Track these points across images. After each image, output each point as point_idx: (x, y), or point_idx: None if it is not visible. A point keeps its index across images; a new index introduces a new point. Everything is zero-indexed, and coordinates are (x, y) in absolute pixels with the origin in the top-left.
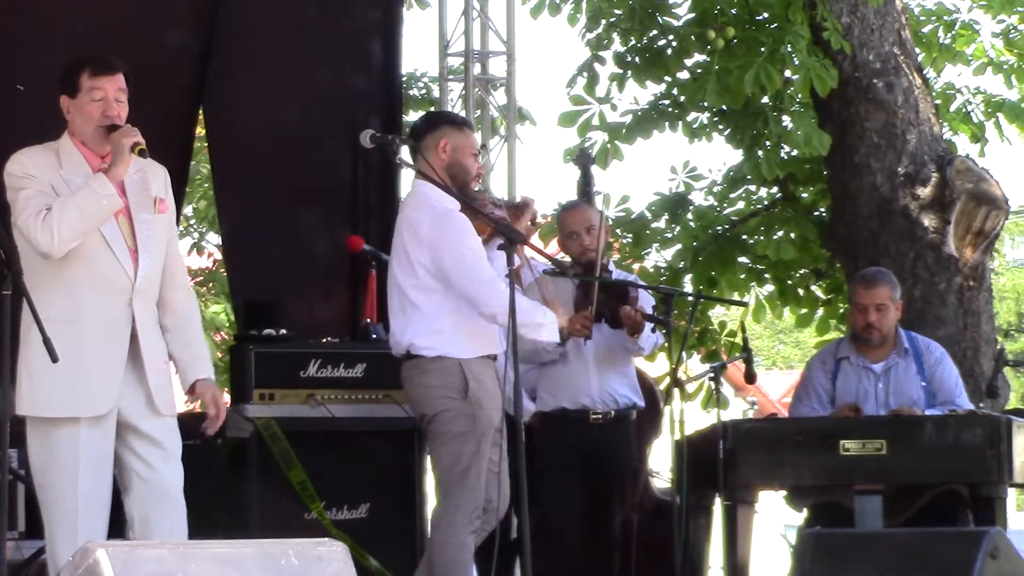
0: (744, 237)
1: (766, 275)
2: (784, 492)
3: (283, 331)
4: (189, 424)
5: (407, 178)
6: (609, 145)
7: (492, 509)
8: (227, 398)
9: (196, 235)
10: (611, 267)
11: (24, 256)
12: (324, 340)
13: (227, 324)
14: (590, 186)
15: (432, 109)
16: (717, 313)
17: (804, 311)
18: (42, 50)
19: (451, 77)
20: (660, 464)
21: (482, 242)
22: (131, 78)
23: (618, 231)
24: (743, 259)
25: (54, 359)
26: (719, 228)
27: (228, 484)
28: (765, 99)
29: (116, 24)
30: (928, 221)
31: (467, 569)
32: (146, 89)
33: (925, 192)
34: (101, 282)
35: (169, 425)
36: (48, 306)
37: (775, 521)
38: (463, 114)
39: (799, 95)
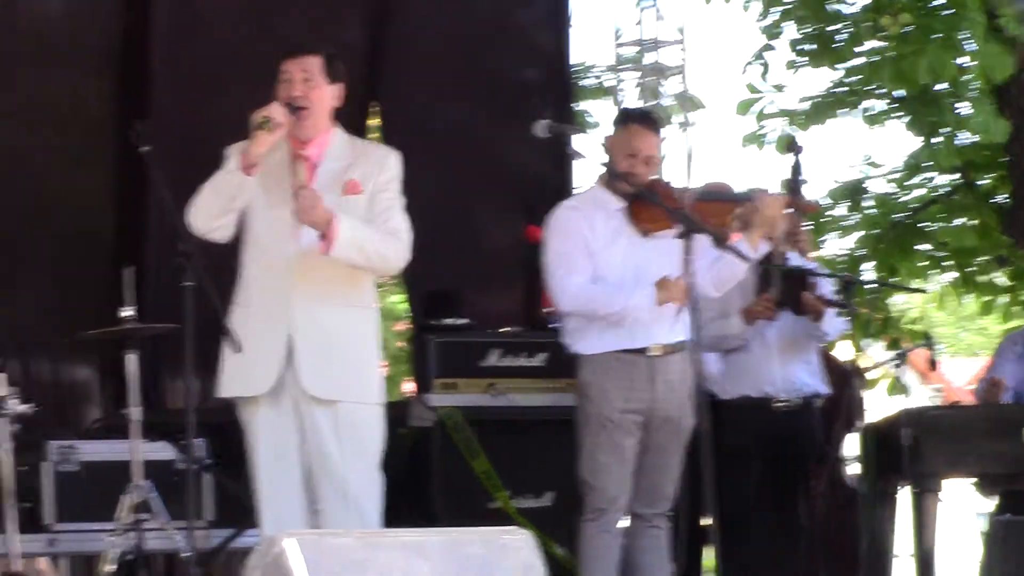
0: (924, 224)
1: (947, 262)
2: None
3: (463, 320)
4: None
5: (581, 167)
6: (785, 132)
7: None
8: (410, 387)
9: None
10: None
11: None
12: (504, 329)
13: (406, 314)
14: (799, 174)
15: (610, 99)
16: (899, 301)
17: (987, 298)
18: (217, 45)
19: (624, 66)
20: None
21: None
22: (334, 62)
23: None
24: (923, 246)
25: (235, 349)
26: (898, 215)
27: (412, 473)
28: (943, 85)
29: (291, 14)
30: None
31: (599, 558)
32: None
33: None
34: (267, 264)
35: (344, 414)
36: (236, 291)
37: (966, 507)
38: (637, 103)
39: (976, 81)
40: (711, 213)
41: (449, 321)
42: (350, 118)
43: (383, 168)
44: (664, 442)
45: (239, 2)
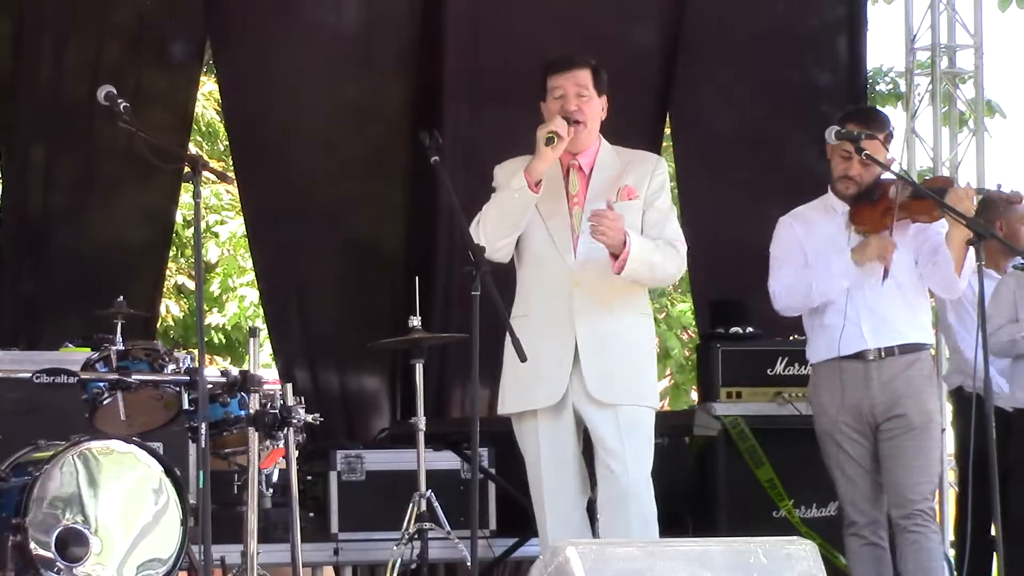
0: None
1: None
2: None
3: (749, 329)
4: (658, 422)
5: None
6: None
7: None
8: (694, 396)
9: None
10: None
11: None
12: (791, 338)
13: (693, 323)
14: None
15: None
16: None
17: None
18: (514, 51)
19: (918, 71)
20: None
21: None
22: (600, 73)
23: None
24: None
25: (521, 358)
26: None
27: (696, 482)
28: None
29: (585, 24)
30: None
31: (863, 572)
32: (614, 89)
33: None
34: (546, 274)
35: (624, 416)
36: (515, 304)
37: None
38: (930, 109)
39: None
40: (921, 209)
41: (735, 330)
42: (647, 123)
43: (653, 176)
44: (899, 442)
45: (530, 13)
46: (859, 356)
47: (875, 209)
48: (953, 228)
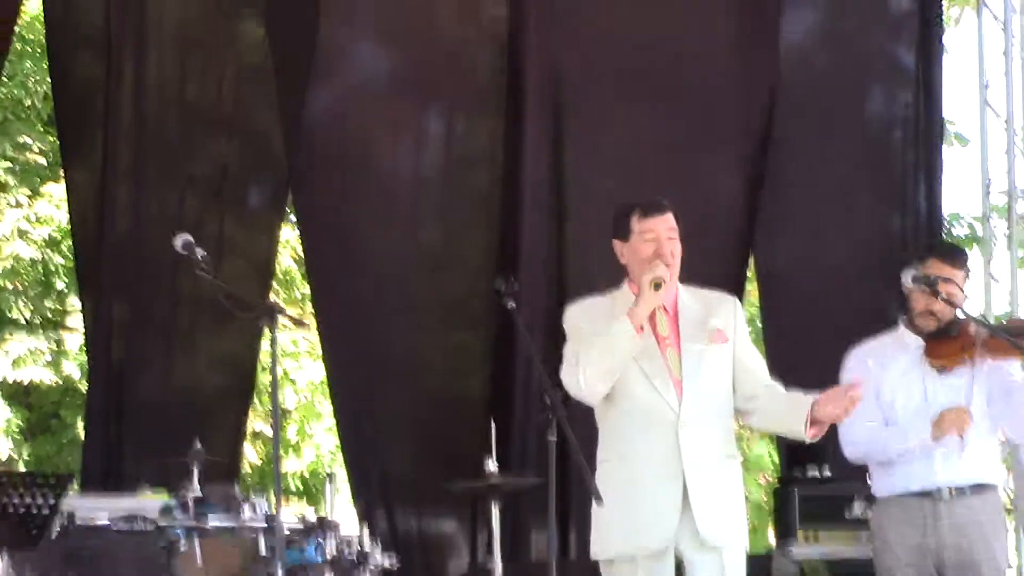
0: None
1: None
2: None
3: (827, 472)
4: None
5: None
6: None
7: None
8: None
9: None
10: None
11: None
12: (868, 479)
13: (771, 466)
14: None
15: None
16: None
17: None
18: (595, 199)
19: (994, 215)
20: None
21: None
22: (680, 218)
23: None
24: None
25: (598, 501)
26: None
27: None
28: None
29: (670, 169)
30: None
31: None
32: (699, 234)
33: None
34: (646, 418)
35: (728, 558)
36: (605, 447)
37: None
38: (1007, 255)
39: None
40: (1001, 348)
41: (813, 472)
42: (731, 267)
43: (737, 317)
44: None
45: (614, 162)
46: (929, 494)
47: (954, 344)
48: None
